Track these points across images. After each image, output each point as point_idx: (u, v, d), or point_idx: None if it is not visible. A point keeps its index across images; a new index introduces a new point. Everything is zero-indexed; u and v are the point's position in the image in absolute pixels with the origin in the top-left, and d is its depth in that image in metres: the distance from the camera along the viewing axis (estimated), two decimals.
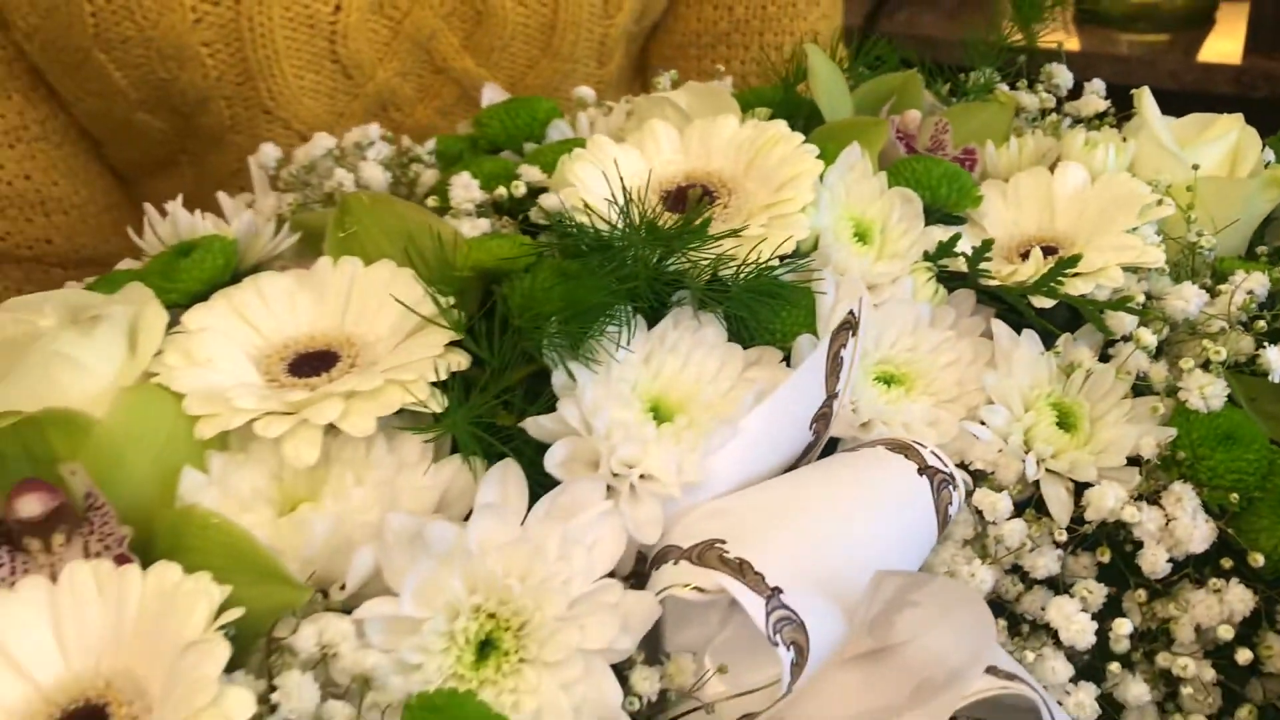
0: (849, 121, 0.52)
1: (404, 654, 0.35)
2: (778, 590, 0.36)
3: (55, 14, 0.63)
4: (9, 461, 0.36)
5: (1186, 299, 0.46)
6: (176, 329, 0.42)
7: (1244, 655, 0.42)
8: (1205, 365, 0.45)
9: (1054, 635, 0.42)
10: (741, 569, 0.36)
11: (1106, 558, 0.44)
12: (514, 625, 0.36)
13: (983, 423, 0.45)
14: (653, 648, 0.39)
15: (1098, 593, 0.42)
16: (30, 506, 0.34)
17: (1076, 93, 0.62)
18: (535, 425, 0.39)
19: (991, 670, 0.37)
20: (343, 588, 0.37)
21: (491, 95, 0.63)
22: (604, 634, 0.36)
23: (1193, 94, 1.49)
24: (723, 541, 0.37)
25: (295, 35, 0.64)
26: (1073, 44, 1.57)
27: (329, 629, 0.34)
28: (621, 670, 0.37)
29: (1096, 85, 0.59)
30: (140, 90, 0.65)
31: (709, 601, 0.39)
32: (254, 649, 0.35)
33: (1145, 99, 0.54)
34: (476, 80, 0.69)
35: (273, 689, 0.33)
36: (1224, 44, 1.54)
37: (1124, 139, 0.54)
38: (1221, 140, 0.54)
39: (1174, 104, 0.59)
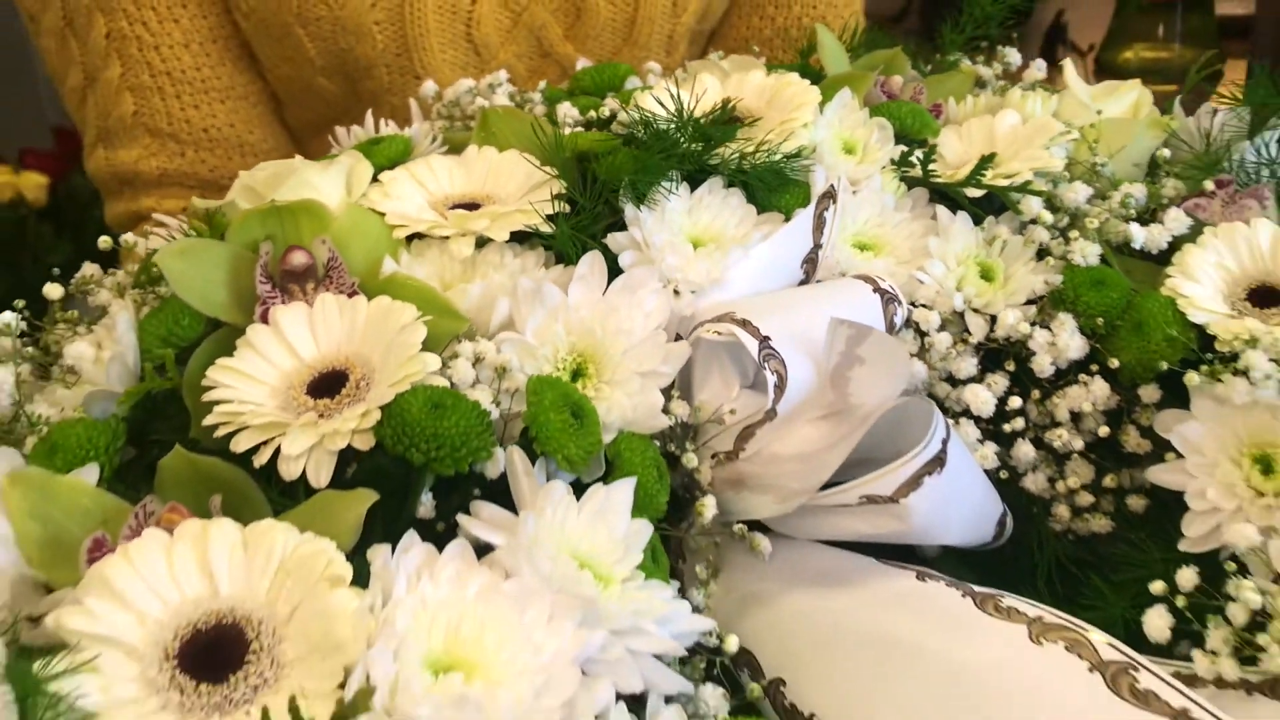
0: (844, 74, 0.72)
1: (526, 368, 0.54)
2: (767, 338, 0.55)
3: None
4: (275, 239, 0.56)
5: (1077, 191, 0.65)
6: (375, 182, 0.62)
7: (1103, 430, 0.60)
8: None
9: (968, 413, 0.61)
10: (744, 324, 0.55)
11: (1012, 367, 0.62)
12: (596, 359, 0.55)
13: (926, 273, 0.64)
14: (687, 397, 0.58)
15: (1001, 383, 0.61)
16: (299, 258, 0.54)
17: None
18: (613, 239, 0.59)
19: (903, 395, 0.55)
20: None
21: (583, 66, 0.83)
22: (652, 360, 0.54)
23: None
24: (733, 312, 0.57)
25: (441, 18, 0.85)
26: None
27: (480, 345, 0.53)
28: (665, 398, 0.56)
29: (1039, 63, 0.78)
30: (324, 58, 0.87)
31: (723, 363, 0.58)
32: None
33: (1069, 68, 0.73)
34: (573, 63, 0.89)
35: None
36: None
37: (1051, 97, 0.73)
38: (1125, 97, 0.73)
39: None
